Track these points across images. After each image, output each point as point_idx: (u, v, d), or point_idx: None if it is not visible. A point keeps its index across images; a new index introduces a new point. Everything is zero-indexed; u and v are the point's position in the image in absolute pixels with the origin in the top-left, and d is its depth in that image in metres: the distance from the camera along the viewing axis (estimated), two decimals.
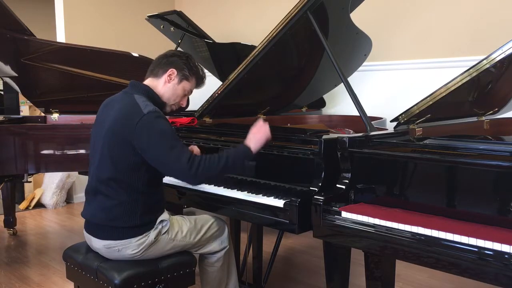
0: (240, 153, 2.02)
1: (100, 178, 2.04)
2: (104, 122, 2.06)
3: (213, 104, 2.70)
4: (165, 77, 2.14)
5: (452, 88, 2.02)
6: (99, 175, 2.04)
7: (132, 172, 1.99)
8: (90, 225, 2.12)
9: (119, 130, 1.98)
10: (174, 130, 2.08)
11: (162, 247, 2.09)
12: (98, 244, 2.08)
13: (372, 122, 2.21)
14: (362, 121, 2.20)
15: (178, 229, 2.13)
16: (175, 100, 2.19)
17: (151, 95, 2.11)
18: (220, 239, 2.26)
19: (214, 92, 2.67)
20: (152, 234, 2.05)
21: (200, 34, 4.28)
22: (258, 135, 2.06)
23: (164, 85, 2.14)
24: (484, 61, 1.98)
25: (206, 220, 2.24)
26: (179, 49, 4.37)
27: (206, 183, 2.22)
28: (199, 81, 2.24)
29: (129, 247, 2.02)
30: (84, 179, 2.97)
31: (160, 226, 2.07)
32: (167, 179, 2.48)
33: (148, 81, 2.17)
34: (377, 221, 1.67)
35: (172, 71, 2.14)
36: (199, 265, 2.30)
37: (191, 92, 2.24)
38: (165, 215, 2.12)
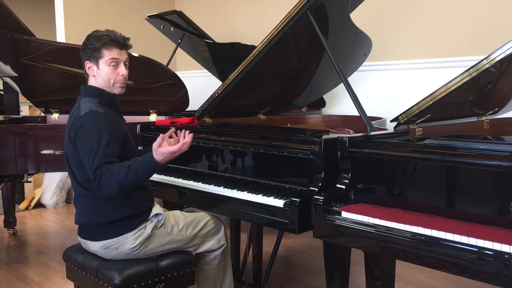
0: (144, 163, 1.92)
1: (78, 183, 2.08)
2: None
3: (213, 104, 2.70)
4: (87, 72, 2.13)
5: (452, 88, 2.02)
6: (75, 181, 2.09)
7: None
8: (84, 229, 2.14)
9: (70, 135, 2.04)
10: (109, 132, 1.97)
11: (160, 241, 2.10)
12: (95, 246, 2.09)
13: (372, 122, 2.21)
14: (362, 121, 2.20)
15: (174, 222, 2.15)
16: (112, 80, 2.10)
17: (96, 92, 2.11)
18: (218, 237, 2.27)
19: (214, 92, 2.67)
20: (148, 228, 2.07)
21: (200, 34, 4.27)
22: (164, 149, 1.92)
23: (93, 78, 2.13)
24: (484, 61, 1.98)
25: (202, 217, 2.26)
26: (179, 49, 4.38)
27: (115, 192, 1.92)
28: (109, 42, 2.05)
29: (127, 243, 2.03)
30: None
31: (155, 220, 2.10)
32: (167, 179, 2.48)
33: (88, 81, 2.17)
34: (377, 221, 1.67)
35: (86, 63, 2.11)
36: (196, 264, 2.30)
37: (115, 58, 2.07)
38: (159, 209, 2.14)
